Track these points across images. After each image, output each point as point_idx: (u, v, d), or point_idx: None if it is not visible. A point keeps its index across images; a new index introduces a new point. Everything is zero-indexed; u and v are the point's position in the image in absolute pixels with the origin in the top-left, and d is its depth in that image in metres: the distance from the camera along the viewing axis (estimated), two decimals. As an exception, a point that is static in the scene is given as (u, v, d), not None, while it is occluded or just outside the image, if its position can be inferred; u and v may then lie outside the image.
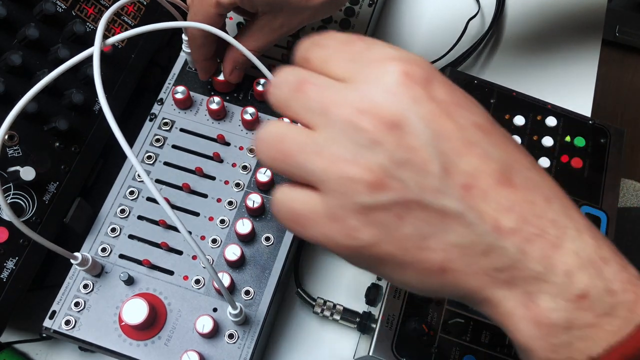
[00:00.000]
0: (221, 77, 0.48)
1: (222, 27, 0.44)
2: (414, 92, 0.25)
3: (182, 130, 0.48)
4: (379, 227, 0.25)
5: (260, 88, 0.48)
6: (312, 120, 0.26)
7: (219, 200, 0.46)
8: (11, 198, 0.40)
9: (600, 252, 0.25)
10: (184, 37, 0.47)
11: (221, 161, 0.47)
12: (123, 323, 0.40)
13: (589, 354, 0.24)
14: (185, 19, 0.44)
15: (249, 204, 0.44)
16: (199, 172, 0.46)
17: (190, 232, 0.32)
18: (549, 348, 0.25)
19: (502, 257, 0.25)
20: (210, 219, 0.45)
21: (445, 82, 0.26)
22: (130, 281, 0.42)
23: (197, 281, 0.43)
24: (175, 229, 0.44)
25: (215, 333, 0.41)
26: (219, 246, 0.44)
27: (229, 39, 0.39)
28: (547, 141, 0.50)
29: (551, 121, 0.51)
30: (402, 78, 0.25)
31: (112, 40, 0.36)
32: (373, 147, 0.24)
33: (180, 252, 0.44)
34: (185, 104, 0.48)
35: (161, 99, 0.49)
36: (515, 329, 0.26)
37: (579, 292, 0.24)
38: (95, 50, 0.33)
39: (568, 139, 0.50)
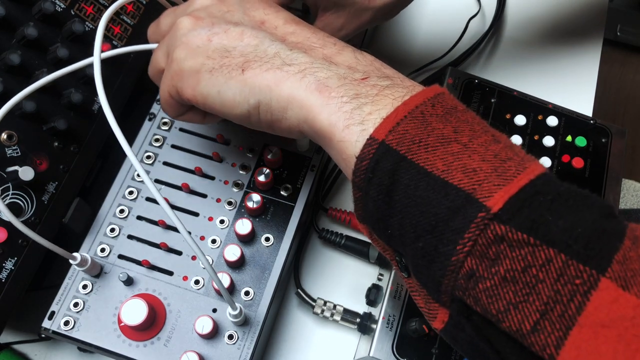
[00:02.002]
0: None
1: None
2: None
3: (181, 130, 0.48)
4: (194, 48, 0.33)
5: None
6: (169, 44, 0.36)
7: (218, 200, 0.45)
8: (10, 198, 0.40)
9: (378, 63, 0.32)
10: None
11: (221, 161, 0.47)
12: (122, 324, 0.40)
13: (379, 114, 0.29)
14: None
15: (249, 204, 0.44)
16: (198, 172, 0.46)
17: (189, 233, 0.32)
18: (345, 116, 0.30)
19: (289, 56, 0.32)
20: (210, 219, 0.45)
21: None
22: (129, 282, 0.42)
23: (197, 282, 0.43)
24: (174, 229, 0.44)
25: (214, 334, 0.41)
26: (218, 246, 0.44)
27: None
28: (548, 141, 0.50)
29: (552, 121, 0.51)
30: None
31: (110, 53, 0.36)
32: (196, 5, 0.37)
33: (179, 253, 0.44)
34: (185, 104, 0.48)
35: (161, 98, 0.49)
36: (316, 112, 0.30)
37: (361, 75, 0.31)
38: (95, 50, 0.33)
39: (569, 138, 0.50)
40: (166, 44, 0.36)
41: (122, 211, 0.45)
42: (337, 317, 0.47)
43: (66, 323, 0.41)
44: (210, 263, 0.43)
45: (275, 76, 0.31)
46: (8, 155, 0.40)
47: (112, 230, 0.44)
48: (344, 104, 0.30)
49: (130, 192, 0.45)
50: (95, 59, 0.33)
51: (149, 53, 0.50)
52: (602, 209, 0.25)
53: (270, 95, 0.32)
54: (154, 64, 0.38)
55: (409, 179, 0.27)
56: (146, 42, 0.49)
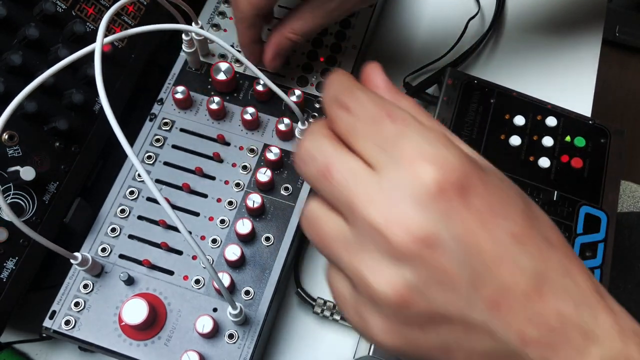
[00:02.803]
0: (221, 77, 0.48)
1: (270, 13, 0.44)
2: (447, 205, 0.23)
3: (182, 130, 0.48)
4: (401, 335, 0.25)
5: (260, 88, 0.48)
6: (339, 209, 0.25)
7: (219, 200, 0.46)
8: (11, 198, 0.40)
9: (626, 353, 0.25)
10: (184, 37, 0.47)
11: (221, 161, 0.47)
12: (123, 323, 0.40)
13: None
14: (185, 20, 0.44)
15: (249, 204, 0.44)
16: (199, 172, 0.46)
17: (190, 232, 0.32)
18: None
19: None
20: (210, 219, 0.45)
21: (483, 185, 0.24)
22: (130, 281, 0.42)
23: (197, 281, 0.43)
24: (175, 229, 0.44)
25: (215, 333, 0.41)
26: (219, 246, 0.44)
27: (225, 45, 0.38)
28: (547, 141, 0.50)
29: (551, 121, 0.51)
30: (436, 188, 0.23)
31: (112, 37, 0.36)
32: (400, 262, 0.23)
33: (180, 252, 0.44)
34: (185, 104, 0.48)
35: (161, 99, 0.49)
36: None
37: None
38: (96, 50, 0.33)
39: (568, 139, 0.50)
40: (344, 289, 0.27)
41: (123, 211, 0.45)
42: (337, 317, 0.47)
43: (67, 322, 0.41)
44: (211, 263, 0.43)
45: None
46: (9, 156, 0.40)
47: (113, 230, 0.44)
48: None
49: (131, 192, 0.45)
50: (97, 59, 0.33)
51: (149, 53, 0.51)
52: None
53: None
54: (338, 294, 0.27)
55: None
56: (146, 42, 0.50)
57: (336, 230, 0.25)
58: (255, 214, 0.45)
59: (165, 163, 0.47)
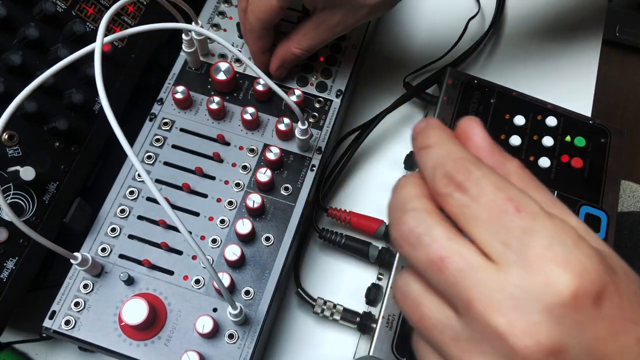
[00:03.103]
0: (221, 77, 0.48)
1: (278, 23, 0.45)
2: (581, 316, 0.21)
3: (182, 130, 0.48)
4: None
5: (260, 88, 0.48)
6: (451, 300, 0.23)
7: (219, 200, 0.46)
8: (11, 198, 0.40)
9: None
10: (184, 37, 0.47)
11: (221, 161, 0.47)
12: (123, 323, 0.40)
13: None
14: (185, 19, 0.44)
15: (249, 203, 0.44)
16: (199, 172, 0.46)
17: (190, 232, 0.32)
18: None
19: None
20: (210, 219, 0.45)
21: (617, 289, 0.22)
22: (130, 281, 0.42)
23: (197, 281, 0.43)
24: (175, 229, 0.44)
25: (215, 333, 0.41)
26: (219, 246, 0.44)
27: (230, 47, 0.39)
28: (548, 141, 0.50)
29: (551, 121, 0.51)
30: (571, 298, 0.21)
31: (113, 36, 0.36)
32: None
33: (180, 252, 0.44)
34: (185, 104, 0.48)
35: (161, 98, 0.49)
36: None
37: None
38: (96, 50, 0.33)
39: (568, 138, 0.50)
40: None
41: (122, 211, 0.45)
42: (337, 317, 0.47)
43: (67, 322, 0.41)
44: (211, 263, 0.43)
45: None
46: (9, 156, 0.40)
47: (113, 230, 0.44)
48: None
49: (131, 192, 0.45)
50: (97, 59, 0.33)
51: (149, 53, 0.51)
52: None
53: None
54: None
55: None
56: (146, 42, 0.50)
57: (444, 321, 0.23)
58: (255, 214, 0.45)
59: (165, 163, 0.47)
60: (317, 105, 0.50)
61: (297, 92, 0.48)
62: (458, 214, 0.23)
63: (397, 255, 0.46)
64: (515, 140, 0.49)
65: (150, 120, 0.48)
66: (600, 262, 0.22)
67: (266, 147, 0.47)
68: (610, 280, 0.22)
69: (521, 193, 0.23)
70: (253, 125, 0.48)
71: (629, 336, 0.22)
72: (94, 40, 0.33)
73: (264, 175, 0.45)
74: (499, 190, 0.22)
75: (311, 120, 0.50)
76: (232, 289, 0.43)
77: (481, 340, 0.22)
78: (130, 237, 0.44)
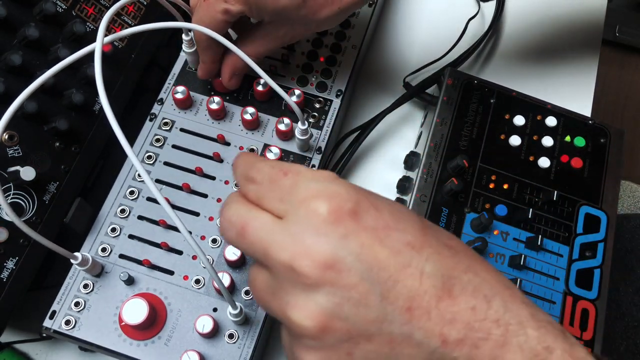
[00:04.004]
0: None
1: (225, 34, 0.44)
2: (342, 228, 0.26)
3: (182, 130, 0.48)
4: None
5: (260, 88, 0.48)
6: (259, 260, 0.28)
7: (219, 200, 0.46)
8: (11, 198, 0.40)
9: (544, 342, 0.26)
10: (184, 37, 0.47)
11: (221, 161, 0.47)
12: (123, 323, 0.40)
13: None
14: (185, 19, 0.44)
15: (249, 204, 0.44)
16: (199, 172, 0.46)
17: (190, 232, 0.32)
18: None
19: None
20: (210, 219, 0.45)
21: (375, 207, 0.27)
22: (130, 281, 0.42)
23: (197, 281, 0.43)
24: (175, 229, 0.44)
25: (215, 333, 0.41)
26: (219, 246, 0.44)
27: (232, 46, 0.39)
28: (547, 141, 0.50)
29: (551, 121, 0.51)
30: (329, 216, 0.26)
31: (113, 37, 0.36)
32: (312, 291, 0.25)
33: (180, 252, 0.44)
34: (185, 104, 0.48)
35: (161, 99, 0.49)
36: None
37: None
38: (96, 50, 0.33)
39: (568, 139, 0.50)
40: (275, 314, 0.28)
41: (123, 211, 0.45)
42: (337, 317, 0.47)
43: (67, 322, 0.41)
44: (211, 262, 0.43)
45: None
46: (9, 156, 0.40)
47: (113, 229, 0.44)
48: None
49: (131, 192, 0.45)
50: (97, 59, 0.33)
51: (149, 53, 0.51)
52: None
53: None
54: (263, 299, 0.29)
55: None
56: (146, 42, 0.50)
57: (264, 282, 0.28)
58: (255, 213, 0.45)
59: (165, 163, 0.47)
60: (317, 105, 0.50)
61: (297, 92, 0.48)
62: (255, 199, 0.29)
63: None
64: (515, 140, 0.49)
65: (151, 120, 0.48)
66: (352, 187, 0.27)
67: (266, 147, 0.47)
68: (367, 201, 0.27)
69: (290, 164, 0.29)
70: (253, 125, 0.48)
71: (395, 241, 0.26)
72: (94, 40, 0.33)
73: (264, 175, 0.45)
74: (273, 168, 0.29)
75: (311, 120, 0.50)
76: (232, 288, 0.43)
77: (283, 282, 0.26)
78: (131, 237, 0.44)
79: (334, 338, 0.25)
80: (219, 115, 0.48)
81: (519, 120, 0.50)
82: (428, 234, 0.27)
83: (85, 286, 0.42)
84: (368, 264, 0.25)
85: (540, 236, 0.45)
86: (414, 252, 0.26)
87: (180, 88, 0.48)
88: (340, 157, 0.53)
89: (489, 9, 0.64)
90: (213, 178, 0.46)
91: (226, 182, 0.46)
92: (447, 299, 0.26)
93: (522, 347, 0.26)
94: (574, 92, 0.60)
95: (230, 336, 0.41)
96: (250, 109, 0.47)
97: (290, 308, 0.26)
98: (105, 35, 0.34)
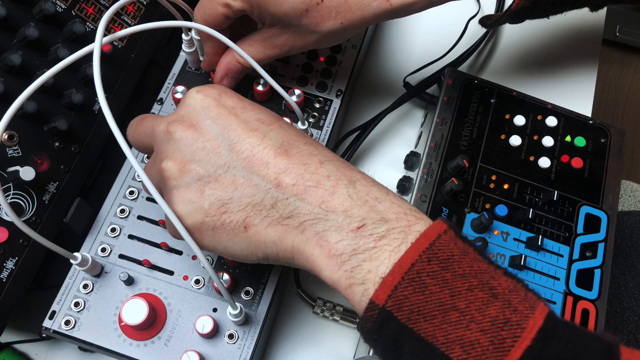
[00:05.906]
0: (221, 77, 0.47)
1: (224, 32, 0.44)
2: (206, 103, 0.34)
3: (182, 130, 0.48)
4: (188, 203, 0.33)
5: (260, 88, 0.48)
6: (152, 141, 0.37)
7: (219, 200, 0.45)
8: (11, 198, 0.40)
9: (373, 194, 0.32)
10: (184, 37, 0.47)
11: (221, 161, 0.47)
12: (123, 323, 0.40)
13: (377, 273, 0.29)
14: (185, 19, 0.44)
15: (249, 204, 0.44)
16: (199, 172, 0.46)
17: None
18: (346, 275, 0.30)
19: (287, 206, 0.32)
20: (210, 219, 0.45)
21: (235, 96, 0.36)
22: (130, 281, 0.42)
23: (197, 281, 0.43)
24: (175, 229, 0.44)
25: (215, 333, 0.41)
26: (219, 246, 0.44)
27: (229, 42, 0.39)
28: (548, 141, 0.50)
29: (551, 121, 0.51)
30: (198, 96, 0.35)
31: (112, 36, 0.36)
32: (178, 144, 0.34)
33: (180, 252, 0.44)
34: (185, 104, 0.48)
35: (161, 99, 0.49)
36: (320, 268, 0.31)
37: (357, 224, 0.31)
38: (95, 50, 0.33)
39: (568, 138, 0.50)
40: (157, 181, 0.36)
41: (122, 211, 0.45)
42: (337, 317, 0.47)
43: (67, 322, 0.41)
44: (211, 263, 0.43)
45: (277, 231, 0.32)
46: (9, 156, 0.40)
47: (113, 230, 0.44)
48: (344, 262, 0.30)
49: (131, 192, 0.45)
50: (95, 59, 0.33)
51: (149, 53, 0.51)
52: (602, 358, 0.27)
53: (276, 249, 0.33)
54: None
55: (411, 348, 0.29)
56: (146, 42, 0.50)
57: (150, 162, 0.37)
58: (255, 214, 0.45)
59: (165, 163, 0.46)
60: (317, 105, 0.50)
61: (297, 91, 0.48)
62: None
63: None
64: (516, 140, 0.49)
65: (150, 120, 0.48)
66: (222, 90, 0.36)
67: (266, 147, 0.47)
68: (229, 95, 0.35)
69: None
70: (253, 125, 0.48)
71: (248, 115, 0.34)
72: (94, 40, 0.33)
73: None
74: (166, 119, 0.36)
75: (311, 120, 0.50)
76: (232, 289, 0.43)
77: (161, 145, 0.35)
78: (130, 237, 0.44)
79: (190, 177, 0.33)
80: (219, 115, 0.48)
81: (519, 120, 0.50)
82: (278, 119, 0.35)
83: (85, 286, 0.42)
84: (222, 127, 0.33)
85: (540, 236, 0.45)
86: (262, 125, 0.34)
87: (180, 88, 0.47)
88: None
89: (489, 8, 0.64)
90: (213, 178, 0.46)
91: (226, 182, 0.46)
92: (284, 155, 0.32)
93: (351, 196, 0.31)
94: (574, 92, 0.60)
95: (230, 336, 0.41)
96: (250, 109, 0.47)
97: (163, 160, 0.34)
98: (105, 35, 0.34)
